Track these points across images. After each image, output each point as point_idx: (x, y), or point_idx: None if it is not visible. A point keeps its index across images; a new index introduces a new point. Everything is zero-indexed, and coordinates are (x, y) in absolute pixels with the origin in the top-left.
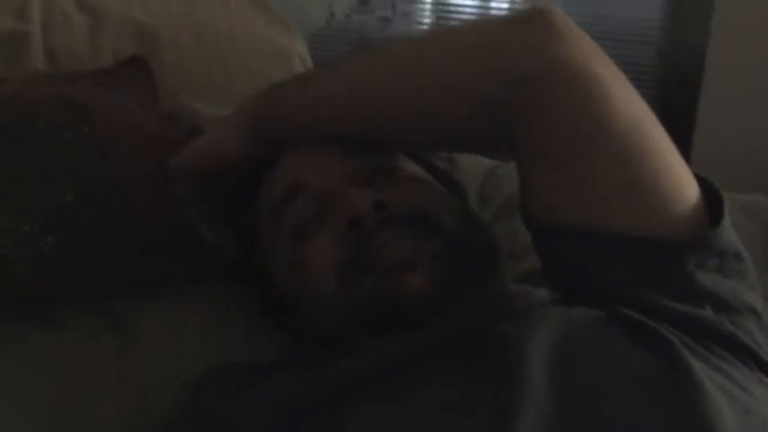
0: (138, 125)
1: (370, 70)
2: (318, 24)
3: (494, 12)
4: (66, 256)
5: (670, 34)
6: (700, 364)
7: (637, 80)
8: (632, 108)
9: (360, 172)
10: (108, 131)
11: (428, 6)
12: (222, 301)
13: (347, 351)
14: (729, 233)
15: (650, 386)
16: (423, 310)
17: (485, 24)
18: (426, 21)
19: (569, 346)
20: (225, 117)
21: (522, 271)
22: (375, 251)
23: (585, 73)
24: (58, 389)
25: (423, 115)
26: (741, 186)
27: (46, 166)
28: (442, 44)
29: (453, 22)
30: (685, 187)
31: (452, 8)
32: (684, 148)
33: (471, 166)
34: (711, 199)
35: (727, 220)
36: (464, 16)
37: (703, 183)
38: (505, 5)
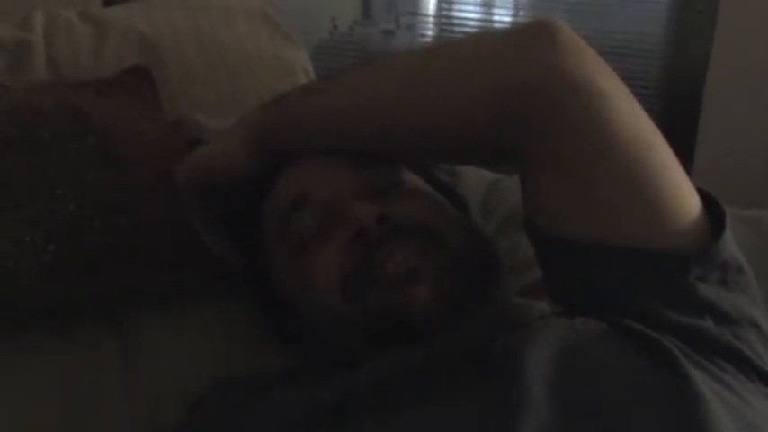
0: (142, 134)
1: (375, 82)
2: (322, 37)
3: (496, 25)
4: (69, 266)
5: (673, 49)
6: (701, 376)
7: (639, 94)
8: (635, 120)
9: (365, 185)
10: (112, 140)
11: (431, 19)
12: (226, 311)
13: (352, 364)
14: (731, 246)
15: (651, 396)
16: (427, 323)
17: (489, 36)
18: (429, 34)
19: (571, 357)
20: (229, 128)
21: (523, 284)
22: (379, 264)
23: (589, 85)
24: (63, 400)
25: (427, 127)
26: (742, 200)
27: (50, 175)
28: (446, 56)
29: (456, 36)
30: (688, 200)
31: (455, 21)
32: (686, 161)
33: (474, 179)
34: (713, 212)
35: (728, 233)
36: (467, 29)
37: (705, 196)
38: (508, 18)
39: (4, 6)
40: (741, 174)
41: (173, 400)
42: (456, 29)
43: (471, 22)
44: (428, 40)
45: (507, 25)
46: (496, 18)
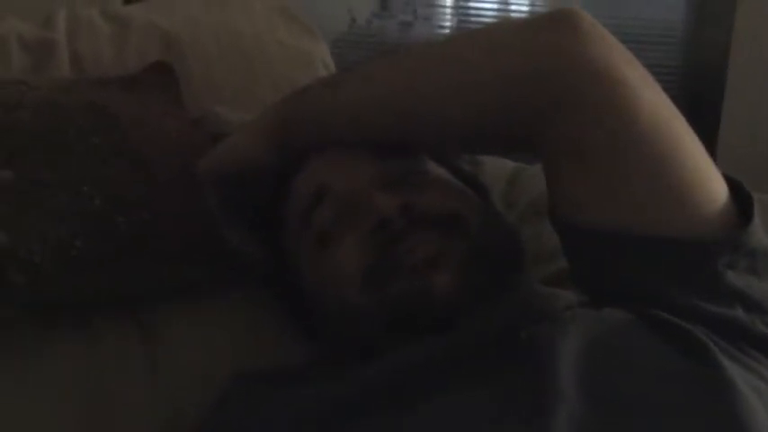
0: (165, 130)
1: (394, 73)
2: (340, 30)
3: (513, 15)
4: (95, 261)
5: (693, 35)
6: (732, 365)
7: (661, 81)
8: (659, 107)
9: (386, 175)
10: (136, 136)
11: (448, 10)
12: (251, 307)
13: (376, 355)
14: (760, 233)
15: (682, 387)
16: (450, 311)
17: (510, 25)
18: (447, 25)
19: (600, 349)
20: (250, 121)
21: (548, 273)
22: (402, 253)
23: (611, 72)
24: (89, 397)
25: (448, 117)
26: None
27: (75, 171)
28: (467, 45)
29: (474, 26)
30: (714, 188)
31: (473, 12)
32: (710, 147)
33: (496, 168)
34: (741, 200)
35: (757, 221)
36: (484, 20)
37: (733, 183)
38: (525, 9)
39: (28, 6)
40: (765, 159)
41: (196, 395)
42: (473, 19)
43: (489, 13)
44: (446, 31)
45: (524, 15)
46: (513, 8)
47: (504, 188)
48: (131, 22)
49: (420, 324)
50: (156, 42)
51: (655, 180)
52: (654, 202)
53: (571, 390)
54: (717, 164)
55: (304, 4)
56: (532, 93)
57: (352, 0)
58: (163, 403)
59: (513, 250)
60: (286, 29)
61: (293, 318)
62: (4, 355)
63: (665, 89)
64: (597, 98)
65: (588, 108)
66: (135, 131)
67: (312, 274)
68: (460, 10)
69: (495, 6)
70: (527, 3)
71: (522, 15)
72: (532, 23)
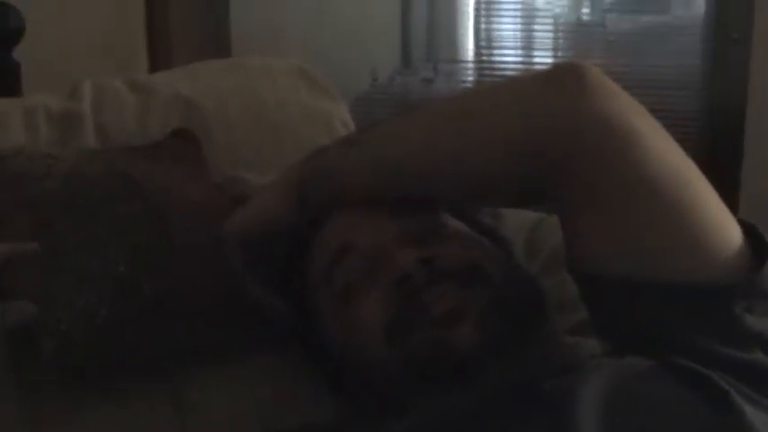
0: (188, 195)
1: (413, 131)
2: (362, 88)
3: (537, 67)
4: (121, 327)
5: (711, 79)
6: (753, 410)
7: (681, 126)
8: (670, 156)
9: (406, 231)
10: (159, 203)
11: (470, 65)
12: (277, 366)
13: (401, 411)
14: None
15: None
16: (473, 362)
17: (519, 81)
18: (469, 80)
19: (621, 396)
20: (271, 182)
21: (572, 323)
22: (424, 306)
23: (620, 122)
24: None
25: (466, 173)
26: None
27: (100, 237)
28: (479, 102)
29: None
30: (728, 232)
31: (495, 66)
32: (732, 192)
33: (516, 219)
34: (756, 242)
35: None
36: (506, 73)
37: (746, 227)
38: (548, 60)
39: (55, 77)
40: None
41: None
42: (496, 73)
43: (510, 67)
44: (467, 86)
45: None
46: (536, 60)
47: (527, 237)
48: (155, 91)
49: (443, 376)
50: (180, 110)
51: (667, 226)
52: (667, 248)
53: None
54: (740, 208)
55: (326, 64)
56: (544, 146)
57: (373, 58)
58: None
59: (535, 301)
60: (305, 90)
61: (319, 374)
62: (33, 421)
63: (686, 134)
64: (607, 148)
65: (598, 158)
66: (158, 198)
67: (335, 329)
68: (482, 64)
69: (516, 60)
70: (549, 55)
71: (532, 70)
72: (539, 78)
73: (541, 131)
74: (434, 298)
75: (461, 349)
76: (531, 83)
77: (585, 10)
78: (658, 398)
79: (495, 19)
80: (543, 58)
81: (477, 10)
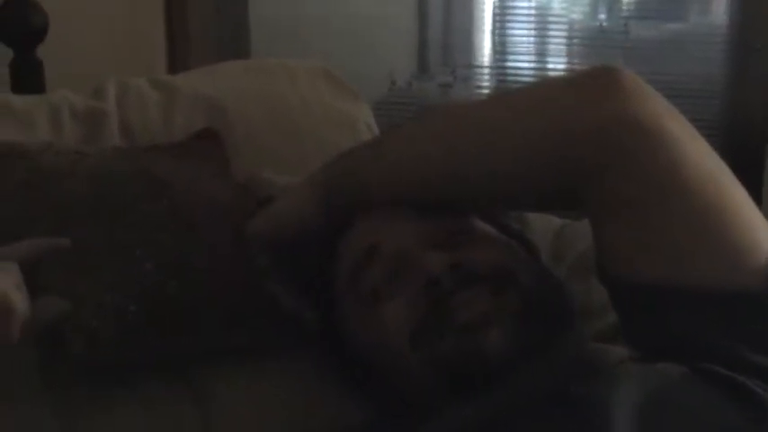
0: (214, 194)
1: (438, 134)
2: (380, 93)
3: (551, 74)
4: (148, 325)
5: (733, 88)
6: None
7: (703, 135)
8: (705, 160)
9: (434, 234)
10: (185, 202)
11: (486, 71)
12: (303, 368)
13: (428, 415)
14: None
15: None
16: (502, 368)
17: (554, 83)
18: (485, 85)
19: (655, 404)
20: (296, 184)
21: (599, 329)
22: (452, 311)
23: (655, 127)
24: None
25: (493, 176)
26: None
27: (128, 237)
28: (511, 105)
29: (512, 86)
30: (762, 238)
31: (511, 71)
32: (754, 198)
33: (542, 224)
34: None
35: None
36: (523, 79)
37: None
38: (562, 67)
39: (80, 77)
40: None
41: None
42: (511, 79)
43: (527, 72)
44: (485, 91)
45: (562, 73)
46: (551, 66)
47: (552, 243)
48: (178, 90)
49: (472, 382)
50: (203, 110)
51: (701, 233)
52: (700, 254)
53: None
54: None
55: (344, 70)
56: (578, 149)
57: (391, 63)
58: None
59: (564, 306)
60: (329, 92)
61: (345, 378)
62: (60, 418)
63: (708, 143)
64: (643, 152)
65: (634, 162)
66: (185, 197)
67: (362, 333)
68: (499, 70)
69: (533, 66)
70: (564, 61)
71: (560, 74)
72: (576, 80)
73: (575, 134)
74: (463, 303)
75: (490, 354)
76: (565, 85)
77: (603, 16)
78: (692, 406)
79: (513, 24)
80: (561, 64)
81: (494, 15)
